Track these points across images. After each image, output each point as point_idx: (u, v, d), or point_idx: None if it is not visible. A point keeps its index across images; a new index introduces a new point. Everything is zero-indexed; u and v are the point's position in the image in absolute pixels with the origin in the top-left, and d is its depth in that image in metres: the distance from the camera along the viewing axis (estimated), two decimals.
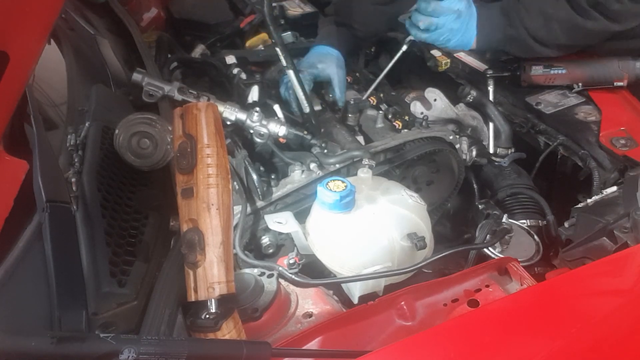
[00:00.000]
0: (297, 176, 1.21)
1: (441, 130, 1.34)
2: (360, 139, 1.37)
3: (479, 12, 1.41)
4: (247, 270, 1.04)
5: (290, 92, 1.42)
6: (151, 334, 0.78)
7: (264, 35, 1.76)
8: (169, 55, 1.59)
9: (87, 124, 1.05)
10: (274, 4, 1.88)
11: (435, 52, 1.64)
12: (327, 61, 1.49)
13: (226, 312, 0.86)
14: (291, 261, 1.09)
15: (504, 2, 1.43)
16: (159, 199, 1.05)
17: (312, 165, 1.22)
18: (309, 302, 1.02)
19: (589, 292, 0.89)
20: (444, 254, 1.06)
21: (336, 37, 1.58)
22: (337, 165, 1.22)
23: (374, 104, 1.48)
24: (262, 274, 1.03)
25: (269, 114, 1.28)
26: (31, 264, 0.78)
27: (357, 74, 1.63)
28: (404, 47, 1.45)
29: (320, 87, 1.51)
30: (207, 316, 0.85)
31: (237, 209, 1.14)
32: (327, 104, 1.49)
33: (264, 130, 1.23)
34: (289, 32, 1.81)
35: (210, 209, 0.88)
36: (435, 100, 1.45)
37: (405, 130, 1.35)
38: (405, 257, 1.08)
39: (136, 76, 1.21)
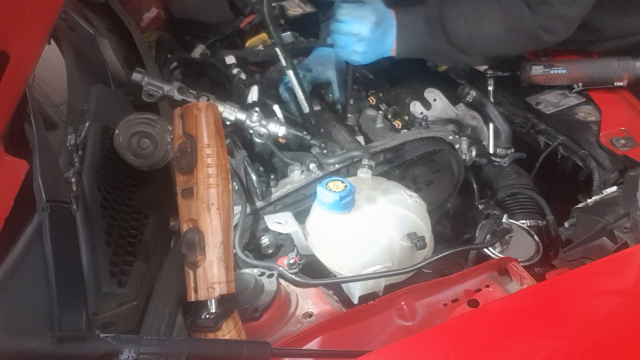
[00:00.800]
0: (296, 176, 1.21)
1: (441, 130, 1.34)
2: (360, 139, 1.37)
3: (400, 20, 1.33)
4: (247, 270, 1.04)
5: (288, 93, 1.42)
6: (151, 334, 0.78)
7: (264, 35, 1.76)
8: (169, 55, 1.59)
9: (87, 124, 1.05)
10: (273, 4, 1.88)
11: None
12: (326, 63, 1.49)
13: (226, 312, 0.86)
14: (291, 261, 1.09)
15: (428, 10, 1.36)
16: (159, 199, 1.05)
17: (312, 166, 1.22)
18: (309, 302, 1.02)
19: (589, 292, 0.89)
20: (444, 254, 1.06)
21: None
22: (337, 166, 1.22)
23: (374, 104, 1.48)
24: (262, 274, 1.03)
25: (268, 114, 1.28)
26: (31, 264, 0.78)
27: (357, 74, 1.62)
28: None
29: (320, 88, 1.51)
30: (207, 316, 0.85)
31: (237, 209, 1.14)
32: (327, 104, 1.49)
33: (263, 130, 1.23)
34: (289, 32, 1.81)
35: (210, 209, 0.88)
36: (435, 100, 1.45)
37: (405, 130, 1.35)
38: (405, 257, 1.08)
39: (136, 76, 1.21)
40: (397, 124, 1.38)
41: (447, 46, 1.34)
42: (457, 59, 1.39)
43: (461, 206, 1.47)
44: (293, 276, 1.03)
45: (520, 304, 0.86)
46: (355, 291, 1.04)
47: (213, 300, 0.85)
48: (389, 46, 1.35)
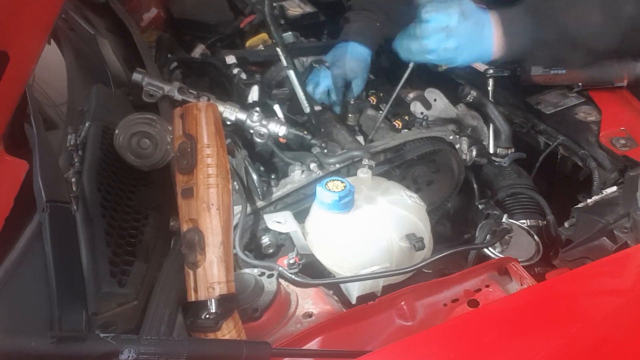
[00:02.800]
0: (297, 176, 1.21)
1: (441, 130, 1.34)
2: (360, 139, 1.37)
3: (501, 15, 1.26)
4: (247, 270, 1.04)
5: (318, 88, 1.43)
6: (151, 334, 0.78)
7: (264, 35, 1.76)
8: (169, 55, 1.59)
9: (87, 124, 1.05)
10: (274, 4, 1.88)
11: None
12: (357, 64, 1.48)
13: (226, 312, 0.86)
14: (291, 261, 1.09)
15: (527, 2, 1.26)
16: (159, 199, 1.05)
17: (312, 165, 1.22)
18: (309, 302, 1.02)
19: (589, 292, 0.89)
20: (443, 254, 1.06)
21: (369, 35, 1.55)
22: (337, 165, 1.22)
23: (374, 103, 1.48)
24: (262, 274, 1.03)
25: (269, 114, 1.28)
26: (31, 264, 0.78)
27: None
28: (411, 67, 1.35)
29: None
30: (207, 316, 0.85)
31: (237, 209, 1.14)
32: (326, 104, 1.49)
33: (264, 130, 1.23)
34: (290, 32, 1.81)
35: (210, 209, 0.88)
36: (435, 100, 1.45)
37: (405, 130, 1.35)
38: (404, 257, 1.08)
39: (136, 76, 1.21)
40: (398, 123, 1.38)
41: (557, 37, 1.24)
42: (565, 55, 1.29)
43: (461, 206, 1.47)
44: (293, 276, 1.03)
45: (520, 304, 0.86)
46: (354, 291, 1.05)
47: (213, 300, 0.85)
48: (489, 45, 1.26)
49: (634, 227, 1.00)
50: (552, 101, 1.50)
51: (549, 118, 1.45)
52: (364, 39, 1.53)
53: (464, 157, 1.37)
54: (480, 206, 1.29)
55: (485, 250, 1.16)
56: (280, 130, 1.23)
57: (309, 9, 1.91)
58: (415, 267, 1.03)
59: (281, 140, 1.25)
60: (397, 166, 1.31)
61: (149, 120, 1.03)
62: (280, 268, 1.05)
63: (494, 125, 1.45)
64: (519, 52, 1.30)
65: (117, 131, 1.03)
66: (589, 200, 1.20)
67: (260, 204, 1.18)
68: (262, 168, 1.22)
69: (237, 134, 1.25)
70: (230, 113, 1.23)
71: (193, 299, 0.86)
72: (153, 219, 1.00)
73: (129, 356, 0.65)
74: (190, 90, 1.23)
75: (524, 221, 1.27)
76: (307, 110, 1.31)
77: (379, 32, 1.55)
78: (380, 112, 1.43)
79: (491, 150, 1.45)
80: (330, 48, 1.59)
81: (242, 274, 1.03)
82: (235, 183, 1.17)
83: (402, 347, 0.77)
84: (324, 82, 1.46)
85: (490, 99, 1.51)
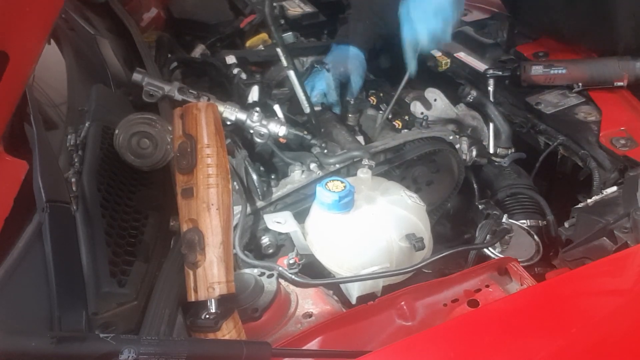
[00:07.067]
0: (297, 176, 1.21)
1: (441, 130, 1.34)
2: (360, 139, 1.37)
3: None
4: (247, 270, 1.04)
5: (327, 84, 1.44)
6: (151, 334, 0.78)
7: (264, 35, 1.76)
8: (169, 55, 1.59)
9: (87, 124, 1.05)
10: (274, 4, 1.88)
11: (435, 52, 1.64)
12: (352, 64, 1.49)
13: (226, 312, 0.86)
14: (291, 261, 1.09)
15: None
16: (159, 199, 1.05)
17: (312, 166, 1.22)
18: (309, 302, 1.02)
19: (589, 292, 0.89)
20: (443, 255, 1.06)
21: (359, 35, 1.56)
22: (337, 166, 1.22)
23: (374, 104, 1.48)
24: (262, 274, 1.03)
25: (269, 114, 1.28)
26: (31, 264, 0.78)
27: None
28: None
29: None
30: (207, 316, 0.85)
31: (237, 209, 1.14)
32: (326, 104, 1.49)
33: (264, 130, 1.23)
34: (290, 33, 1.82)
35: (210, 209, 0.88)
36: (435, 100, 1.44)
37: (405, 130, 1.35)
38: (404, 257, 1.08)
39: (136, 76, 1.21)
40: (398, 123, 1.38)
41: None
42: None
43: (461, 206, 1.47)
44: (293, 276, 1.03)
45: (520, 304, 0.86)
46: (354, 291, 1.05)
47: (213, 300, 0.85)
48: None
49: (634, 227, 1.00)
50: (552, 101, 1.50)
51: (549, 118, 1.45)
52: (353, 39, 1.54)
53: (464, 157, 1.37)
54: (480, 206, 1.29)
55: (485, 250, 1.16)
56: (280, 130, 1.23)
57: (309, 9, 1.92)
58: (415, 267, 1.03)
59: (281, 140, 1.25)
60: (397, 166, 1.31)
61: (149, 120, 1.03)
62: (280, 268, 1.05)
63: (494, 125, 1.45)
64: None
65: (117, 131, 1.03)
66: (589, 200, 1.20)
67: (260, 204, 1.18)
68: (262, 168, 1.22)
69: (237, 134, 1.25)
70: (230, 113, 1.23)
71: (193, 299, 0.86)
72: (153, 219, 1.00)
73: (129, 356, 0.65)
74: (190, 90, 1.23)
75: (524, 221, 1.27)
76: (307, 110, 1.31)
77: (370, 30, 1.56)
78: (380, 112, 1.43)
79: (491, 150, 1.45)
80: (330, 48, 1.59)
81: (242, 274, 1.03)
82: (235, 183, 1.17)
83: (402, 347, 0.77)
84: (319, 84, 1.46)
85: (490, 99, 1.51)
